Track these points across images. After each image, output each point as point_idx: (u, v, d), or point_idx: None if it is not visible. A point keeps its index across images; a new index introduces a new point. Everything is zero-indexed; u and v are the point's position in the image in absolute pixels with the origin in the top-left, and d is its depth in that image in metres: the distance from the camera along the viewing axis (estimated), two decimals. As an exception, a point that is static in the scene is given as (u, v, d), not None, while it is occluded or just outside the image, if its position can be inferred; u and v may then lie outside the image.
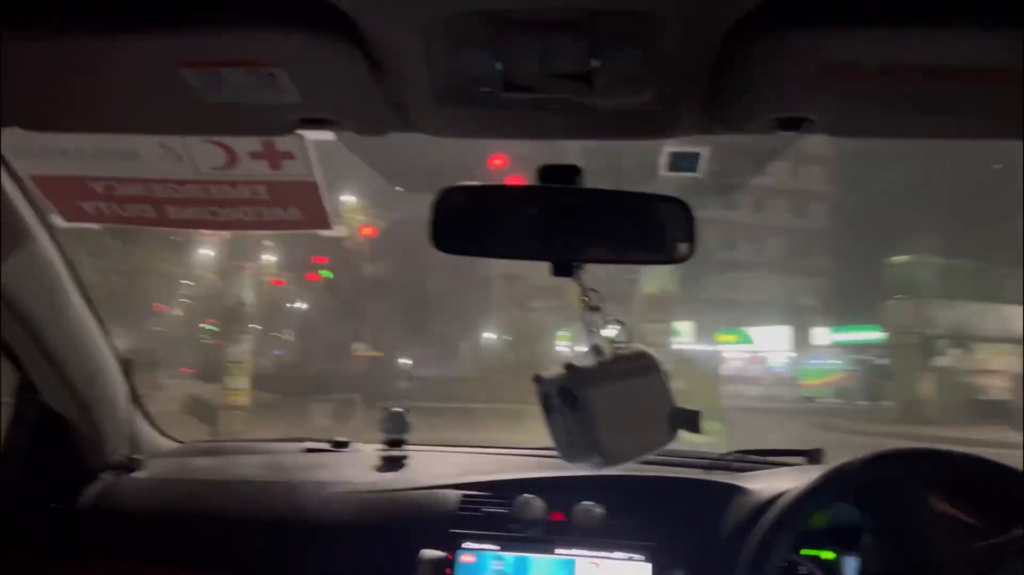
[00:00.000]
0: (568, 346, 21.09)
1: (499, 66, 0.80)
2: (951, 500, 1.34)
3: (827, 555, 1.42)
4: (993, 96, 0.81)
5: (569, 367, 1.03)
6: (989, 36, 0.71)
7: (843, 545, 1.45)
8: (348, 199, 15.21)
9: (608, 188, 1.09)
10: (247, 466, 1.80)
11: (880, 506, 1.43)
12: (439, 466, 1.72)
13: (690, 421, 1.07)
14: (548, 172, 1.04)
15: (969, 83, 0.78)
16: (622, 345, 1.07)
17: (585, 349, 1.07)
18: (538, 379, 1.07)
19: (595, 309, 1.08)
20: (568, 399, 1.01)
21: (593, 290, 1.08)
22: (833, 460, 1.37)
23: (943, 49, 0.74)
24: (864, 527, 1.44)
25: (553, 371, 1.06)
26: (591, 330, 1.07)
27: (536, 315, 20.31)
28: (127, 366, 1.74)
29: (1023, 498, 1.04)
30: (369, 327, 22.29)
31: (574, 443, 1.04)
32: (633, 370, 1.06)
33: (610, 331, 1.09)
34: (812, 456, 1.63)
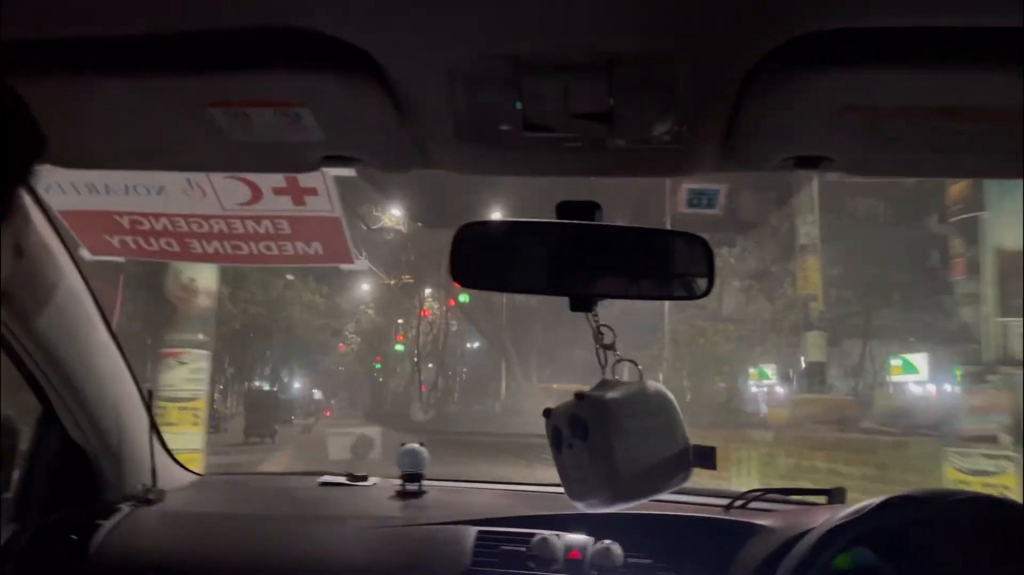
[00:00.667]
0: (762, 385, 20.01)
1: (519, 106, 0.82)
2: (973, 542, 1.31)
3: None
4: (1011, 135, 0.81)
5: (580, 395, 1.02)
6: (1005, 76, 0.72)
7: None
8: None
9: (627, 224, 1.10)
10: (264, 500, 1.80)
11: (899, 549, 1.41)
12: (457, 502, 1.71)
13: (707, 458, 1.04)
14: (567, 208, 1.05)
15: (986, 123, 0.79)
16: (635, 383, 1.06)
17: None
18: (548, 413, 1.06)
19: (609, 347, 1.07)
20: (579, 428, 1.00)
21: (607, 327, 1.08)
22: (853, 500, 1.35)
23: (960, 89, 0.75)
24: (883, 570, 1.41)
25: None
26: (603, 366, 1.07)
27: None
28: (148, 397, 1.75)
29: None
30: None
31: (584, 478, 1.02)
32: (646, 406, 1.04)
33: (624, 369, 1.09)
34: (833, 495, 1.60)
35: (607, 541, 1.43)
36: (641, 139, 0.90)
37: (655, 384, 1.05)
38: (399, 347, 34.99)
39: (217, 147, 0.97)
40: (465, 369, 36.64)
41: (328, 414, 34.24)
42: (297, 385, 37.68)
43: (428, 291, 29.34)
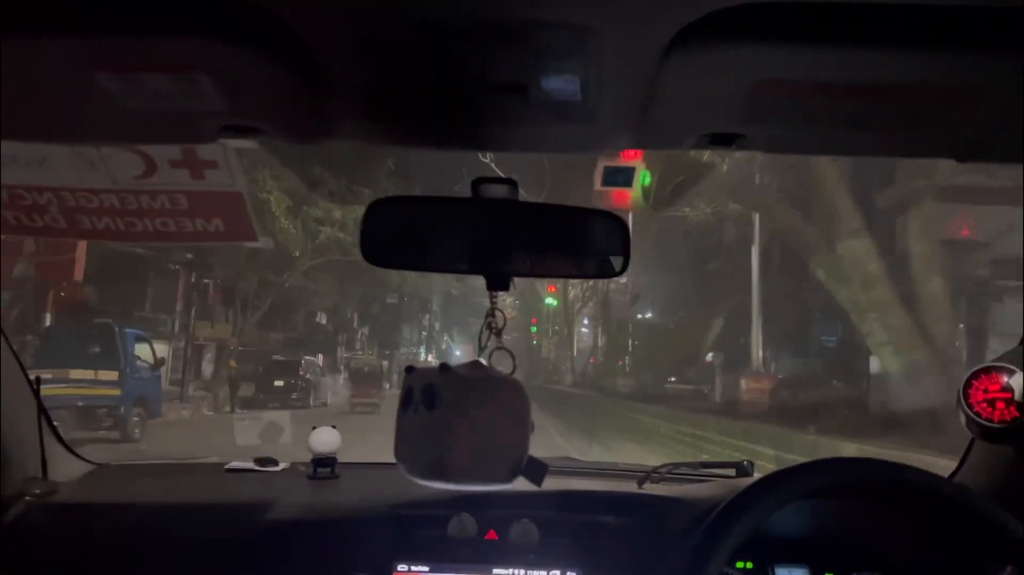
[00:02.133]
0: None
1: (432, 76, 0.79)
2: (885, 508, 1.39)
3: (749, 566, 1.46)
4: (926, 114, 0.83)
5: (445, 367, 1.00)
6: (923, 55, 0.73)
7: (777, 556, 1.48)
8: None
9: (544, 202, 1.08)
10: (166, 488, 1.71)
11: (814, 515, 1.47)
12: (371, 485, 1.67)
13: (537, 471, 1.00)
14: (483, 185, 1.03)
15: (903, 101, 0.80)
16: (502, 375, 1.02)
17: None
18: (409, 370, 1.03)
19: (495, 331, 1.06)
20: (429, 397, 0.97)
21: (501, 311, 1.06)
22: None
23: (876, 67, 0.75)
24: (801, 537, 1.47)
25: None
26: (482, 347, 1.04)
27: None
28: (36, 384, 1.63)
29: (954, 506, 1.07)
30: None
31: (416, 444, 0.99)
32: (503, 400, 1.00)
33: (502, 359, 1.06)
34: (741, 469, 1.66)
35: (524, 520, 1.44)
36: (557, 113, 0.88)
37: (518, 382, 1.02)
38: (550, 300, 30.28)
39: (107, 116, 0.89)
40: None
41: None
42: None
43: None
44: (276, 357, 21.78)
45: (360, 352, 31.57)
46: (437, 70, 0.78)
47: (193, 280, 20.36)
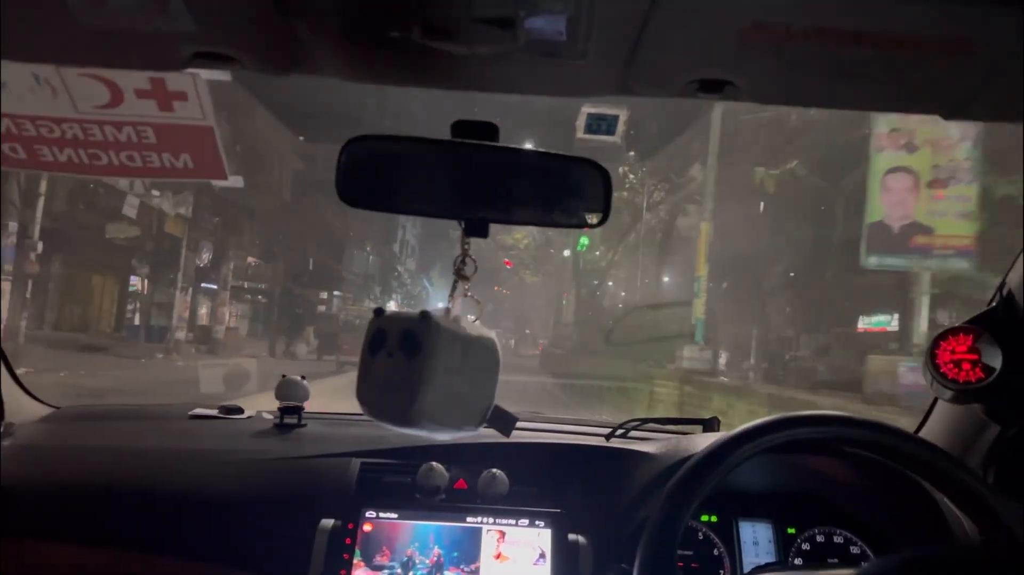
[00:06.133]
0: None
1: (413, 5, 0.74)
2: (851, 465, 1.41)
3: (714, 518, 1.49)
4: (915, 68, 0.81)
5: (424, 314, 0.98)
6: (915, 3, 0.71)
7: (741, 510, 1.50)
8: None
9: (525, 148, 1.04)
10: (128, 433, 1.68)
11: (777, 471, 1.49)
12: (337, 434, 1.65)
13: (505, 422, 1.03)
14: (463, 128, 0.98)
15: (892, 53, 0.78)
16: (475, 326, 1.02)
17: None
18: (378, 312, 1.01)
19: (464, 278, 1.03)
20: (408, 342, 0.95)
21: (472, 259, 1.04)
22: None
23: (872, 14, 0.73)
24: (763, 492, 1.49)
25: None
26: (452, 294, 1.02)
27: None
28: None
29: (916, 461, 1.09)
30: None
31: (387, 389, 0.97)
32: (476, 351, 1.00)
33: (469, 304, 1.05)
34: (708, 424, 1.68)
35: (493, 470, 1.43)
36: (545, 53, 0.84)
37: (490, 333, 1.02)
38: (585, 240, 25.97)
39: (66, 35, 0.83)
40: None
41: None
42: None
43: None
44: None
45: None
46: (421, 1, 0.73)
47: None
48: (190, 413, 1.76)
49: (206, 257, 21.00)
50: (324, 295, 29.41)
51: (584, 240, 25.31)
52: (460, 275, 1.03)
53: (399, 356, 0.95)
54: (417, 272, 45.09)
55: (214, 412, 1.76)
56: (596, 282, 28.01)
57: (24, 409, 1.70)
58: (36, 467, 1.51)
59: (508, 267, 33.86)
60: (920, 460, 1.08)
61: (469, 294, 1.04)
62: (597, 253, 27.80)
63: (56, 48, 0.97)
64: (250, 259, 23.85)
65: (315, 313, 27.04)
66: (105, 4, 0.75)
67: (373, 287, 33.21)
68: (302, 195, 22.96)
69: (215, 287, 21.75)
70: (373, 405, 0.98)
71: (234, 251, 22.26)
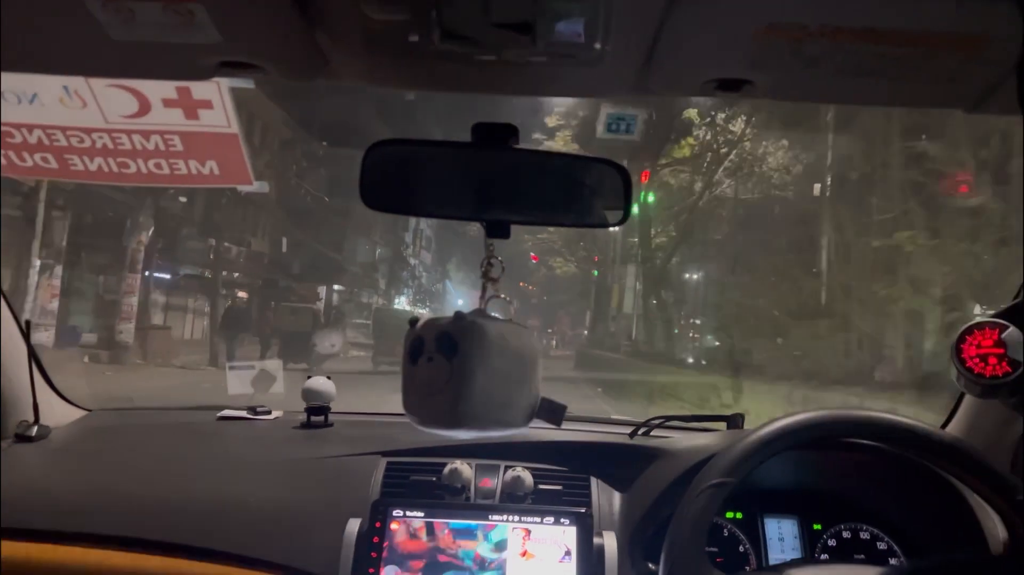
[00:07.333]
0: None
1: (435, 14, 0.76)
2: (879, 462, 1.40)
3: (739, 515, 1.49)
4: (933, 62, 0.81)
5: (458, 314, 0.99)
6: (932, 1, 0.71)
7: (766, 507, 1.50)
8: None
9: (545, 149, 1.06)
10: (159, 435, 1.72)
11: (803, 467, 1.49)
12: (364, 434, 1.68)
13: (555, 413, 1.02)
14: (483, 131, 1.00)
15: (910, 48, 0.78)
16: (511, 322, 1.02)
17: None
18: (413, 323, 1.02)
19: (493, 280, 1.04)
20: (446, 345, 0.96)
21: (499, 259, 1.05)
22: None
23: (888, 12, 0.73)
24: (789, 489, 1.49)
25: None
26: (483, 297, 1.03)
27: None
28: (27, 328, 1.61)
29: (957, 462, 1.09)
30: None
31: (431, 393, 0.98)
32: (516, 346, 1.00)
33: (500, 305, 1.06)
34: (732, 421, 1.67)
35: (518, 468, 1.44)
36: (562, 55, 0.85)
37: (527, 329, 1.03)
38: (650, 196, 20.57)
39: (97, 48, 0.86)
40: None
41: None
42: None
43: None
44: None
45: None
46: (439, 7, 0.75)
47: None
48: (219, 415, 1.79)
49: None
50: (321, 290, 23.68)
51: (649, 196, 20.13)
52: (487, 277, 1.04)
53: (439, 358, 0.96)
54: (432, 266, 39.91)
55: (243, 413, 1.80)
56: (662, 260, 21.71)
57: (57, 412, 1.75)
58: (67, 468, 1.55)
59: (535, 261, 31.82)
60: (954, 459, 1.08)
61: (501, 295, 1.05)
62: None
63: (87, 62, 1.00)
64: (211, 241, 18.33)
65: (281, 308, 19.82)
66: (135, 19, 0.77)
67: (379, 281, 29.43)
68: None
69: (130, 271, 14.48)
70: (419, 412, 0.99)
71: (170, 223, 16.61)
